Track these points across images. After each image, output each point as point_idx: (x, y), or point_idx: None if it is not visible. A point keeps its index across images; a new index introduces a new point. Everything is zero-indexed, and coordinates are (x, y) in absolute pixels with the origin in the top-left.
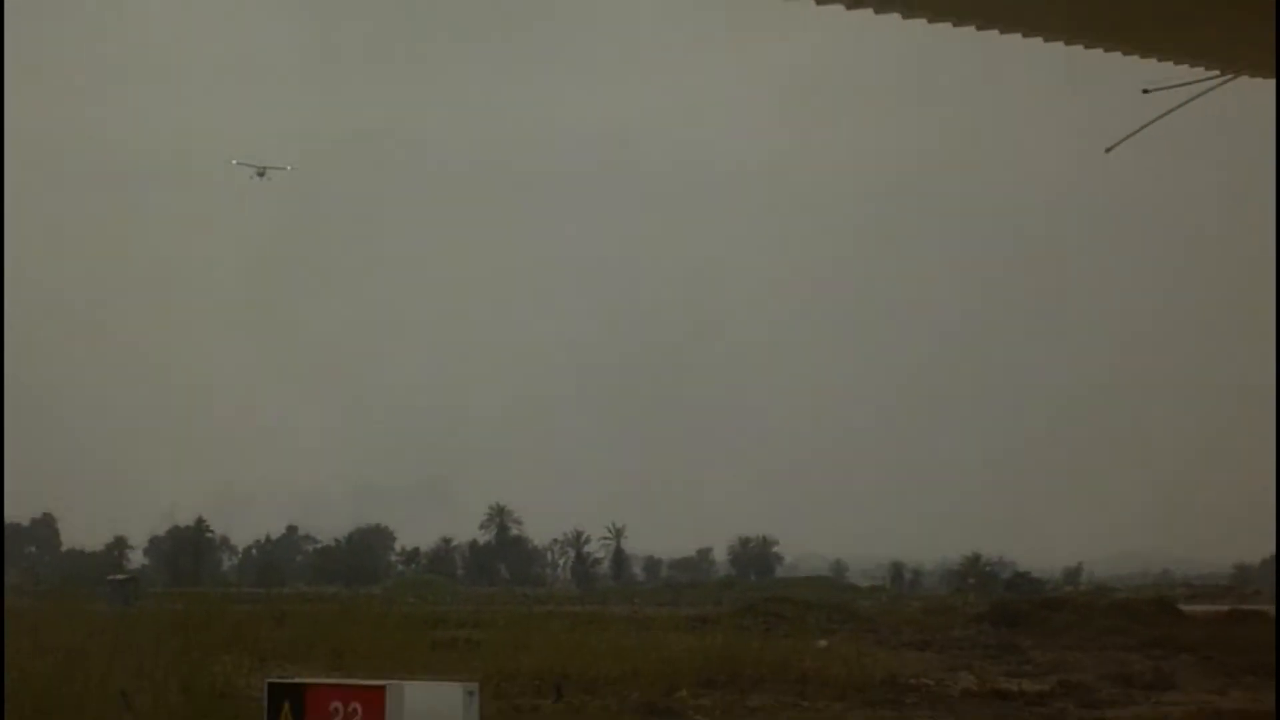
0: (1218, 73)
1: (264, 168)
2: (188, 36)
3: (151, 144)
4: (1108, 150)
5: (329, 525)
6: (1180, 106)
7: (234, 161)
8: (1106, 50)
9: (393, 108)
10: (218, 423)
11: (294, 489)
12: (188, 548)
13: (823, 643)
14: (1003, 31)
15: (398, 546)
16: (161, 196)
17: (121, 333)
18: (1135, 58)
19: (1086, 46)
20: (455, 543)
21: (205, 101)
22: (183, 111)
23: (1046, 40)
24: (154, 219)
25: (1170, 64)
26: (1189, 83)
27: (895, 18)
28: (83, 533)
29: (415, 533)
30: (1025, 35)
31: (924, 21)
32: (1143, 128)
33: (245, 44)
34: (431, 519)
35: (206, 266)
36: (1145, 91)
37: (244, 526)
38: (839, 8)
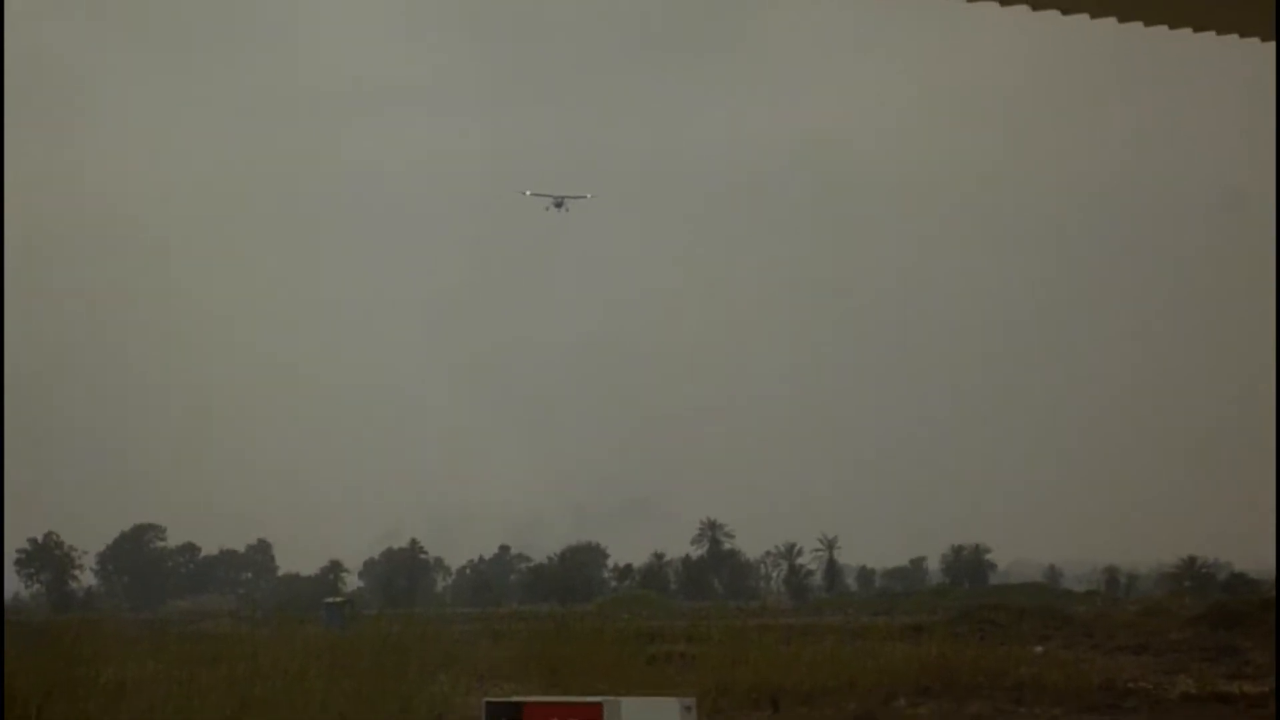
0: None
1: (562, 197)
2: (370, 62)
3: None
4: None
5: (542, 544)
6: None
7: (527, 192)
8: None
9: (593, 130)
10: (431, 446)
11: (507, 509)
12: (402, 569)
13: (1038, 649)
14: (1219, 32)
15: (610, 563)
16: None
17: (333, 358)
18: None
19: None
20: (668, 558)
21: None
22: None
23: (1243, 37)
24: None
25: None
26: None
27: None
28: (298, 557)
29: (628, 549)
30: (1219, 34)
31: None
32: None
33: (436, 70)
34: (644, 535)
35: (417, 293)
36: None
37: (458, 547)
38: (1023, 8)
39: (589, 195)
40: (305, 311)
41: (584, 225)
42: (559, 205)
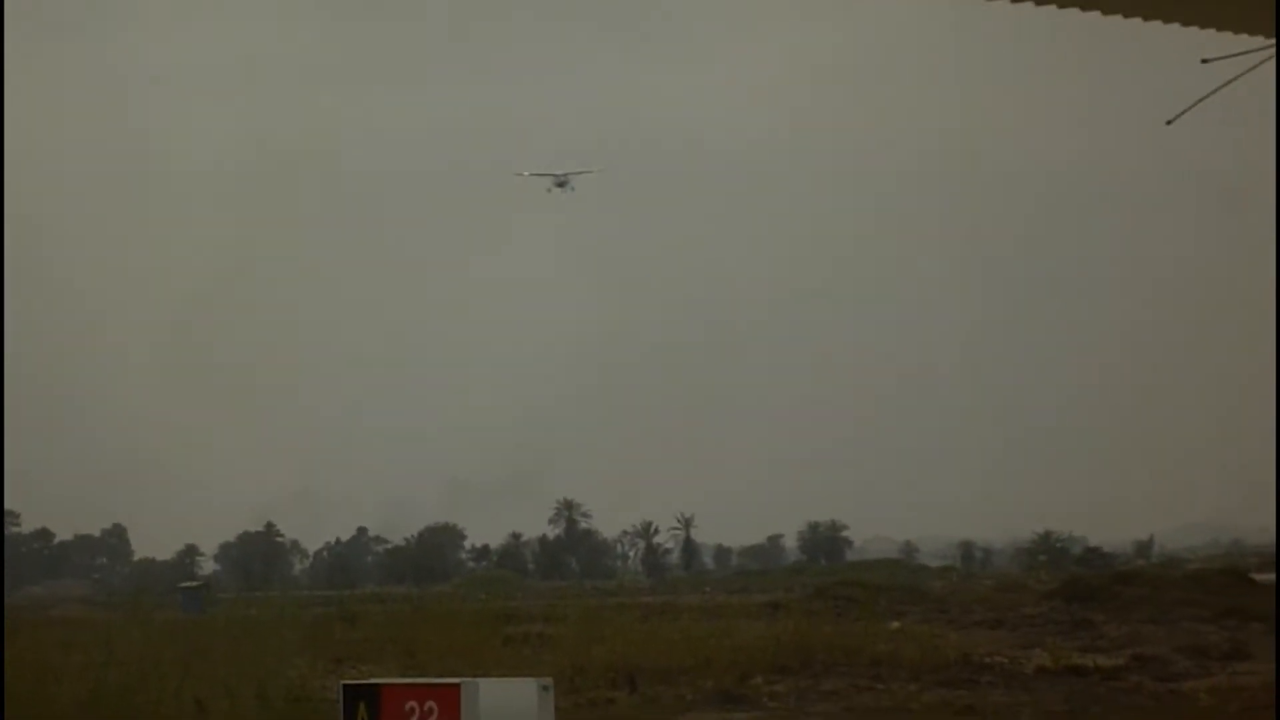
0: (1275, 41)
1: (565, 175)
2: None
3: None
4: (1169, 123)
5: (398, 525)
6: (1241, 76)
7: (525, 173)
8: (1165, 22)
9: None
10: (288, 427)
11: (364, 491)
12: (258, 553)
13: (895, 625)
14: (1060, 6)
15: (467, 544)
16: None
17: (191, 338)
18: (1194, 29)
19: (1145, 19)
20: (525, 538)
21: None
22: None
23: (1105, 14)
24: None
25: (1229, 34)
26: (1249, 51)
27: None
28: (153, 542)
29: (484, 530)
30: (1083, 9)
31: None
32: (1203, 99)
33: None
34: (500, 516)
35: (288, 265)
36: (1204, 62)
37: (315, 530)
38: None
39: (595, 170)
40: (158, 289)
41: (465, 200)
42: (561, 185)
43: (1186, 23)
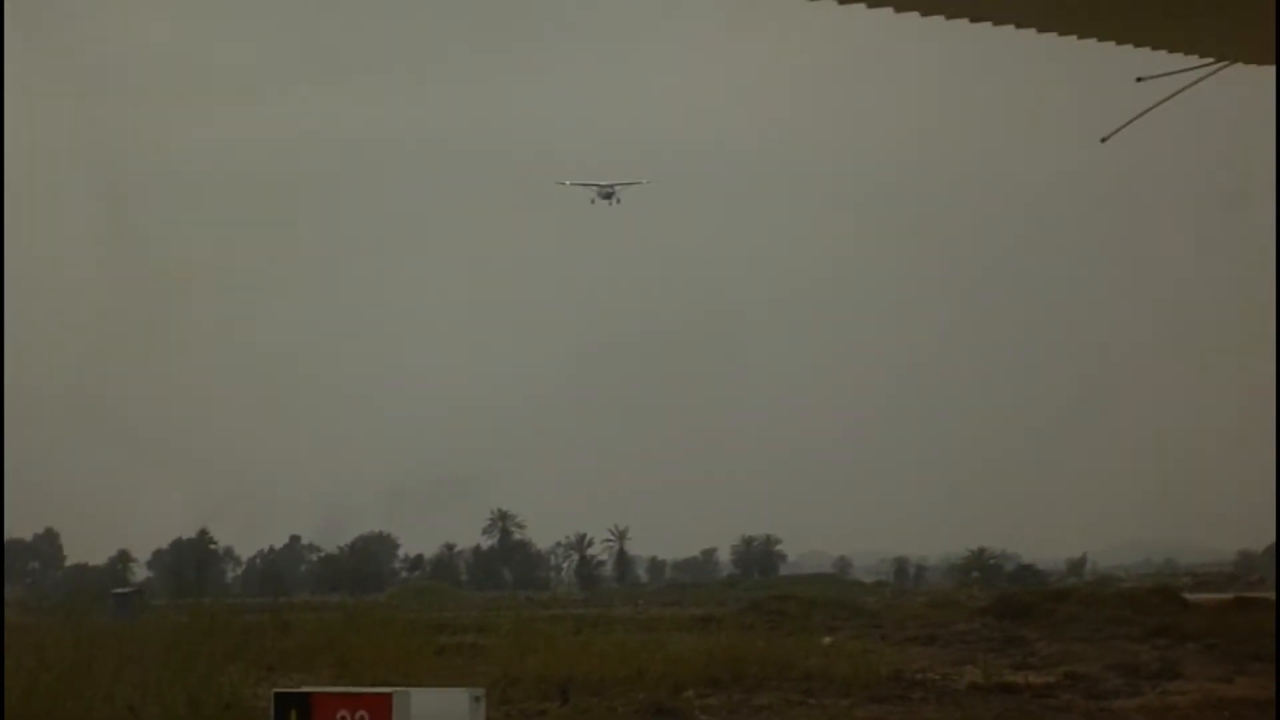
0: (1211, 61)
1: (611, 186)
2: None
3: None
4: (1103, 140)
5: (332, 534)
6: (1175, 95)
7: (566, 182)
8: (1100, 40)
9: (399, 111)
10: (221, 435)
11: (298, 499)
12: (191, 559)
13: (827, 640)
14: (996, 24)
15: (401, 553)
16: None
17: (123, 341)
18: (1128, 47)
19: (1080, 37)
20: (458, 548)
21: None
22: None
23: (1040, 32)
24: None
25: (1164, 53)
26: (1183, 70)
27: (888, 12)
28: (85, 547)
29: (418, 539)
30: (1019, 27)
31: (916, 15)
32: (1138, 116)
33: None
34: (434, 526)
35: (224, 277)
36: (1139, 80)
37: (248, 537)
38: (829, 4)
39: (645, 181)
40: (96, 285)
41: (433, 211)
42: (607, 197)
43: (1156, 46)
